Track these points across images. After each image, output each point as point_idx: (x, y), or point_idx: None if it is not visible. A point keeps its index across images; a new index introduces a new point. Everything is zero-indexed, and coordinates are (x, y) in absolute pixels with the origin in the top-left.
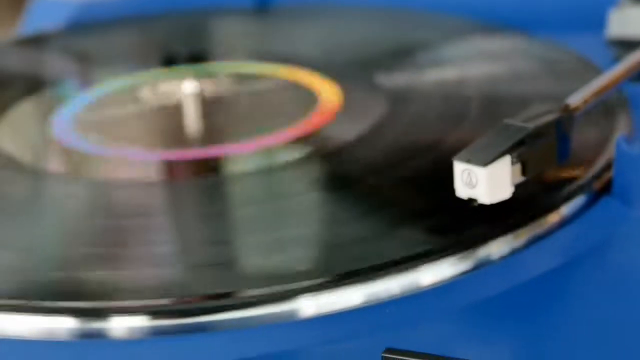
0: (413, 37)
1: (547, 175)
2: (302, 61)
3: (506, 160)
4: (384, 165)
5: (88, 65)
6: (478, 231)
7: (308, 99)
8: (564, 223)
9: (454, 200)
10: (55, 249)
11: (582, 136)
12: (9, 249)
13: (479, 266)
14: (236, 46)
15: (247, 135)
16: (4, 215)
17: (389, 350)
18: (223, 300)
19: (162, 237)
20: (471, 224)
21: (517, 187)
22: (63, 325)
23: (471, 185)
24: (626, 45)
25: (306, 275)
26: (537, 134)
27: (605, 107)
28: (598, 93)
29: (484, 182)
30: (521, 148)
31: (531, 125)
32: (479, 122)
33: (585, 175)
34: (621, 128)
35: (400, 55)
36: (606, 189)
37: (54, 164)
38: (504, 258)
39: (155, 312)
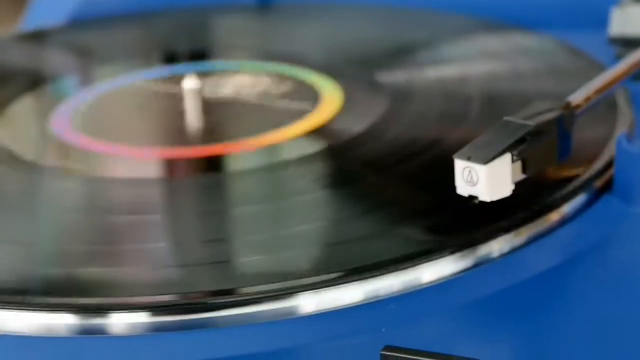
0: (414, 35)
1: (548, 173)
2: (304, 59)
3: (506, 158)
4: (384, 164)
5: (89, 62)
6: (479, 229)
7: (309, 97)
8: (565, 221)
9: (454, 198)
10: (54, 245)
11: (583, 134)
12: (8, 244)
13: (480, 264)
14: (237, 44)
15: (247, 134)
16: (3, 211)
17: (388, 347)
18: (223, 297)
19: (162, 234)
20: (472, 221)
21: (518, 184)
22: (63, 321)
23: (472, 182)
24: (628, 44)
25: (306, 272)
26: (537, 132)
27: (607, 105)
28: (599, 91)
29: (484, 179)
30: (522, 146)
31: (532, 123)
32: (480, 120)
33: (586, 173)
34: (622, 126)
35: (402, 53)
36: (607, 187)
37: (53, 160)
38: (504, 256)
39: (154, 309)
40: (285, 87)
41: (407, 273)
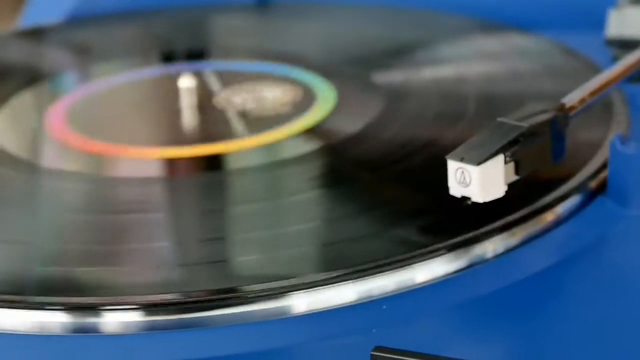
0: (411, 35)
1: (542, 174)
2: (301, 58)
3: (499, 159)
4: (379, 164)
5: (87, 59)
6: (473, 229)
7: (305, 96)
8: (559, 222)
9: (449, 198)
10: (50, 244)
11: (578, 135)
12: (4, 243)
13: (474, 264)
14: (235, 42)
15: (244, 133)
16: None
17: (379, 348)
18: (219, 297)
19: (157, 234)
20: (466, 222)
21: (513, 185)
22: (57, 319)
23: (464, 183)
24: (625, 45)
25: (300, 272)
26: (531, 133)
27: (602, 107)
28: (594, 93)
29: (477, 180)
30: (515, 147)
31: (525, 125)
32: (477, 120)
33: (580, 174)
34: (617, 128)
35: (398, 53)
36: (601, 188)
37: (50, 158)
38: (498, 256)
39: (150, 308)
40: (282, 87)
41: (400, 273)
